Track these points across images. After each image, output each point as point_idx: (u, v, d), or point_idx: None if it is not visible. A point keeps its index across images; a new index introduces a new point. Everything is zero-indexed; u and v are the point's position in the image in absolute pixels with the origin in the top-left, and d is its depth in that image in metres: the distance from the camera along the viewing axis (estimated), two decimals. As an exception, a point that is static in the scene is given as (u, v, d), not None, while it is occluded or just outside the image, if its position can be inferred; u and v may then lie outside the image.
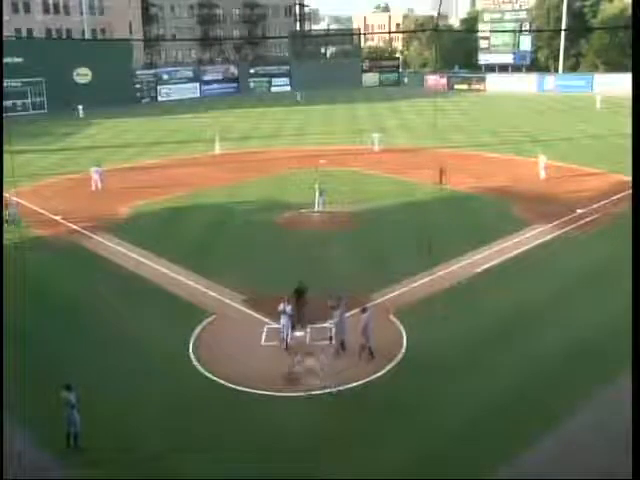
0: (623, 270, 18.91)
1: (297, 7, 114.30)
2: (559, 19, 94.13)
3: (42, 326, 20.32)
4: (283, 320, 19.16)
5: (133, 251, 27.39)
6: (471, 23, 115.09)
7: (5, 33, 71.02)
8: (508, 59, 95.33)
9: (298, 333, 19.70)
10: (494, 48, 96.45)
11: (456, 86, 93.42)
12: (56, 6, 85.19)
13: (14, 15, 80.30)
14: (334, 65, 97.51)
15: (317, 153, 46.96)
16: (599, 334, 19.25)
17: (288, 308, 19.19)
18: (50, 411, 15.49)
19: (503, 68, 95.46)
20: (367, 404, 16.27)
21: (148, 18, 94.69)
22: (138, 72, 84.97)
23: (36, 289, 22.82)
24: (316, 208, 32.28)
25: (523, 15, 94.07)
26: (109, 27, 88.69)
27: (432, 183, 35.06)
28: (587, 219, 30.57)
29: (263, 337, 19.72)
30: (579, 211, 31.59)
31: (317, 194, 32.28)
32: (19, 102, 72.48)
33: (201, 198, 35.85)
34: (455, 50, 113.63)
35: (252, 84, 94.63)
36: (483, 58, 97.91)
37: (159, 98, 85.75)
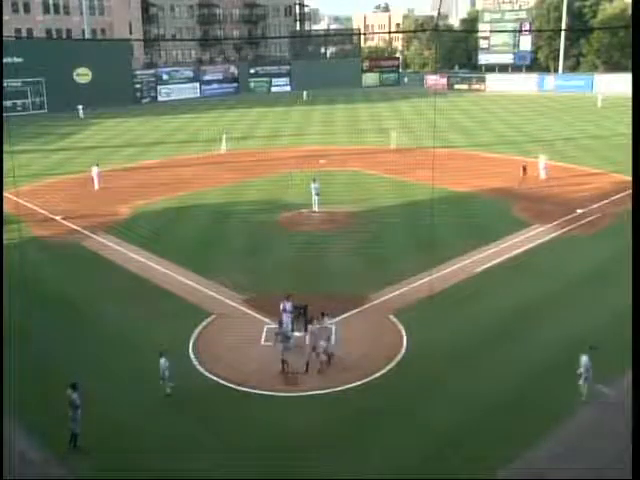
0: (623, 270, 18.89)
1: (297, 7, 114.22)
2: (559, 19, 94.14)
3: (42, 326, 20.30)
4: (285, 318, 19.11)
5: (133, 251, 27.38)
6: (471, 23, 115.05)
7: (5, 33, 71.00)
8: (508, 59, 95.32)
9: (297, 334, 19.67)
10: (494, 48, 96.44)
11: (456, 86, 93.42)
12: (56, 6, 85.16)
13: (14, 15, 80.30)
14: (334, 65, 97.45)
15: (325, 153, 46.94)
16: (599, 334, 19.23)
17: (288, 305, 19.14)
18: (50, 411, 15.52)
19: (503, 68, 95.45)
20: (367, 404, 16.26)
21: (148, 18, 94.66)
22: (138, 72, 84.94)
23: (36, 289, 22.79)
24: (314, 208, 32.30)
25: (523, 15, 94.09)
26: (109, 27, 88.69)
27: (515, 180, 35.87)
28: (587, 219, 30.56)
29: (263, 337, 19.72)
30: (579, 211, 31.58)
31: (313, 192, 32.27)
32: (19, 102, 72.45)
33: (201, 198, 35.83)
34: (455, 50, 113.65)
35: (252, 84, 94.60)
36: (483, 58, 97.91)
37: (159, 98, 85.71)
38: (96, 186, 37.95)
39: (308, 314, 19.52)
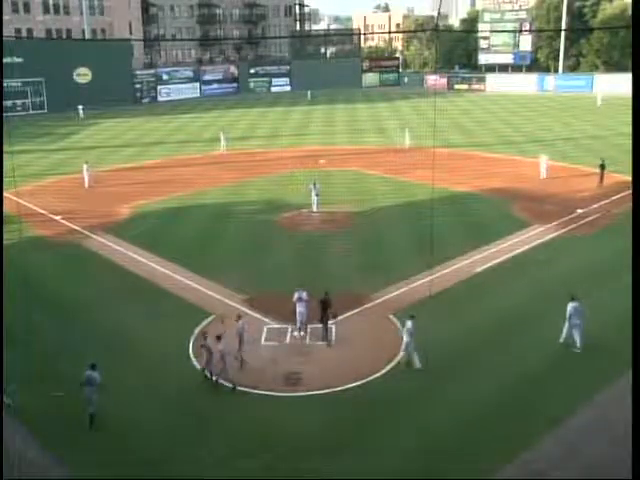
0: (623, 270, 18.89)
1: (297, 7, 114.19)
2: (559, 19, 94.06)
3: (42, 326, 20.29)
4: (300, 307, 19.12)
5: (133, 251, 27.38)
6: (471, 23, 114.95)
7: (5, 33, 70.98)
8: (508, 59, 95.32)
9: (296, 333, 19.66)
10: (494, 48, 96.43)
11: (456, 86, 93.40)
12: (56, 6, 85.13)
13: (14, 15, 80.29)
14: (334, 65, 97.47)
15: (325, 153, 46.93)
16: (599, 334, 19.23)
17: (304, 295, 19.17)
18: (50, 410, 15.52)
19: (503, 68, 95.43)
20: (367, 404, 16.26)
21: (148, 18, 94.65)
22: (138, 72, 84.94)
23: (36, 289, 22.80)
24: (314, 209, 32.30)
25: (523, 15, 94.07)
26: (109, 27, 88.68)
27: (595, 184, 35.64)
28: (587, 219, 30.56)
29: (263, 337, 19.71)
30: (579, 211, 31.58)
31: (313, 193, 32.29)
32: (19, 102, 72.45)
33: (201, 198, 35.84)
34: (455, 50, 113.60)
35: (252, 84, 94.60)
36: (483, 58, 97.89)
37: (159, 98, 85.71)
38: (86, 184, 38.31)
39: (331, 306, 19.22)
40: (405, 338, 17.74)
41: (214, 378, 16.98)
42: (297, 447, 14.58)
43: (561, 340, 18.70)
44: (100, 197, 36.44)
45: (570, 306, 18.56)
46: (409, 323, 17.75)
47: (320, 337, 19.18)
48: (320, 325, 19.22)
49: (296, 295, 19.31)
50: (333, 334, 19.48)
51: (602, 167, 35.95)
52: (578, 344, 18.46)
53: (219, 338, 16.93)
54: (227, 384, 16.88)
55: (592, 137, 52.74)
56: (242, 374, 17.35)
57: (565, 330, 18.62)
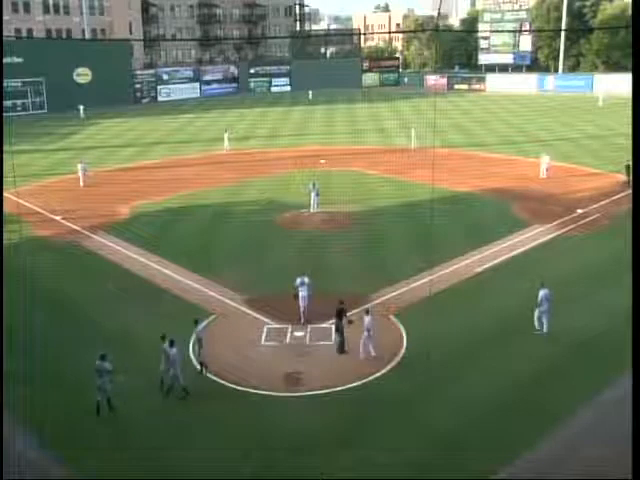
0: (623, 270, 18.88)
1: (297, 7, 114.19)
2: (559, 19, 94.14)
3: (42, 326, 20.28)
4: (302, 292, 19.51)
5: (133, 251, 27.38)
6: (471, 23, 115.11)
7: (5, 33, 71.03)
8: (508, 59, 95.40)
9: (298, 333, 19.68)
10: (494, 48, 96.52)
11: (456, 86, 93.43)
12: (56, 6, 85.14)
13: (14, 15, 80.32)
14: (334, 65, 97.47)
15: (325, 153, 46.91)
16: (599, 334, 19.24)
17: (306, 279, 19.58)
18: (50, 409, 15.53)
19: (503, 68, 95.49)
20: (367, 404, 16.26)
21: (148, 18, 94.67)
22: (138, 72, 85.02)
23: (36, 289, 22.77)
24: (313, 209, 32.29)
25: (523, 15, 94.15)
26: (109, 27, 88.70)
27: (619, 183, 35.16)
28: (587, 219, 30.56)
29: (263, 337, 19.72)
30: (579, 211, 31.59)
31: (313, 193, 32.30)
32: (19, 102, 72.49)
33: (202, 198, 35.83)
34: (455, 50, 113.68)
35: (252, 84, 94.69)
36: (483, 58, 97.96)
37: (159, 98, 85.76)
38: (81, 184, 38.65)
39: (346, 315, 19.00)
40: (365, 332, 18.01)
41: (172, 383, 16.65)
42: (297, 447, 14.58)
43: (545, 330, 19.28)
44: (100, 197, 36.43)
45: (541, 293, 19.36)
46: (367, 319, 18.11)
47: (335, 347, 18.80)
48: (323, 326, 19.23)
49: (298, 280, 19.76)
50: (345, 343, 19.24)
51: (628, 167, 35.72)
52: (545, 329, 19.27)
53: (172, 343, 16.56)
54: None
55: (592, 137, 52.76)
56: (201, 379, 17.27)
57: (536, 318, 19.40)
